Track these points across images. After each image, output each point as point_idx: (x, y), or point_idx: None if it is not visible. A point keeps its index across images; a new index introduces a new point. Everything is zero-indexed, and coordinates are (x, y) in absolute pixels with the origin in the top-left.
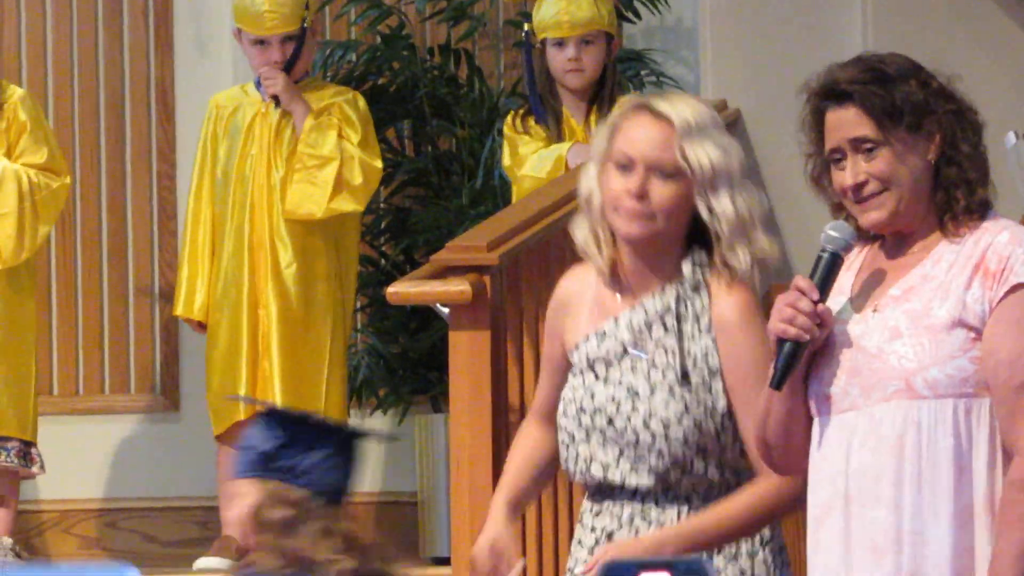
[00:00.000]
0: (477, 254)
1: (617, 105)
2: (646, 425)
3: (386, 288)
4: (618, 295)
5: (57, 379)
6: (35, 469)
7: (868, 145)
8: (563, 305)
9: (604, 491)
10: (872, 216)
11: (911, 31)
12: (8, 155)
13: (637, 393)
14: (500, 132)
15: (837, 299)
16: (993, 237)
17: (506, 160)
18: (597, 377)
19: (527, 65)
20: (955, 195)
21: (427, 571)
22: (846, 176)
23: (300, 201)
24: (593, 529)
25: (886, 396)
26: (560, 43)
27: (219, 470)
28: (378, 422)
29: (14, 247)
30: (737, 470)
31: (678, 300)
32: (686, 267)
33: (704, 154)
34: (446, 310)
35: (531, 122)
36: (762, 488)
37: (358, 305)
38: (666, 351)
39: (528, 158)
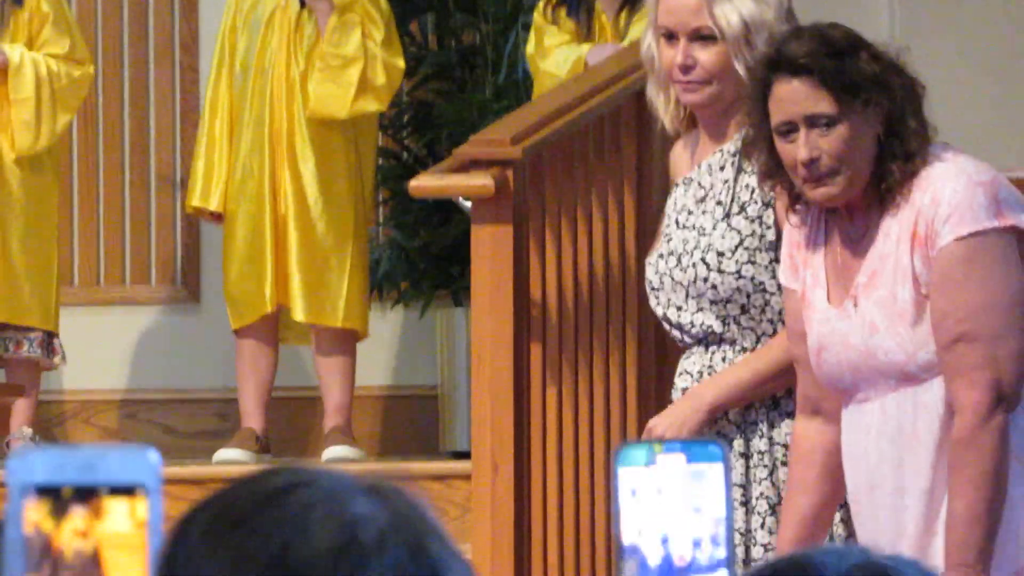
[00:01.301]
0: (500, 148)
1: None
2: (703, 260)
3: (408, 182)
4: (704, 144)
5: (78, 270)
6: (57, 360)
7: (825, 120)
8: (671, 178)
9: (686, 342)
10: (823, 191)
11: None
12: (30, 46)
13: (703, 230)
14: (524, 26)
15: (816, 292)
16: (921, 198)
17: (530, 48)
18: (679, 224)
19: None
20: (890, 168)
21: (446, 465)
22: (799, 151)
23: (324, 102)
24: (680, 390)
25: (892, 387)
26: None
27: (238, 362)
28: (398, 315)
29: (31, 135)
30: None
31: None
32: None
33: (733, 12)
34: (468, 204)
35: (561, 14)
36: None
37: (380, 198)
38: (729, 188)
39: (552, 51)
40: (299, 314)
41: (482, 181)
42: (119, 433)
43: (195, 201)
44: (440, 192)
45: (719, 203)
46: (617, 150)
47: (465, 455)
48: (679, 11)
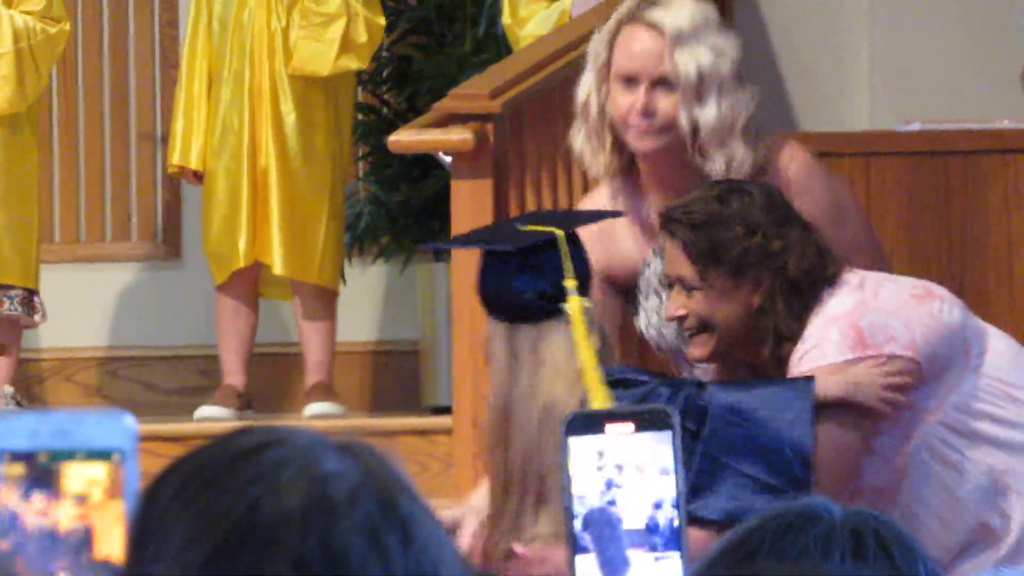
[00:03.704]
0: (480, 102)
1: (615, 11)
2: None
3: (388, 137)
4: (654, 197)
5: (59, 226)
6: (37, 318)
7: (687, 283)
8: (603, 235)
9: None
10: (695, 352)
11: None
12: (8, 4)
13: None
14: None
15: None
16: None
17: (506, 18)
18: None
19: None
20: (762, 345)
21: (427, 420)
22: (669, 307)
23: (306, 59)
24: None
25: None
26: None
27: (218, 319)
28: (379, 271)
29: (16, 91)
30: None
31: None
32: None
33: (692, 61)
34: (448, 158)
35: None
36: None
37: (360, 153)
38: None
39: (528, 21)
40: (279, 267)
41: (461, 136)
42: (100, 391)
43: (175, 159)
44: (419, 147)
45: None
46: None
47: (446, 410)
48: (643, 56)
